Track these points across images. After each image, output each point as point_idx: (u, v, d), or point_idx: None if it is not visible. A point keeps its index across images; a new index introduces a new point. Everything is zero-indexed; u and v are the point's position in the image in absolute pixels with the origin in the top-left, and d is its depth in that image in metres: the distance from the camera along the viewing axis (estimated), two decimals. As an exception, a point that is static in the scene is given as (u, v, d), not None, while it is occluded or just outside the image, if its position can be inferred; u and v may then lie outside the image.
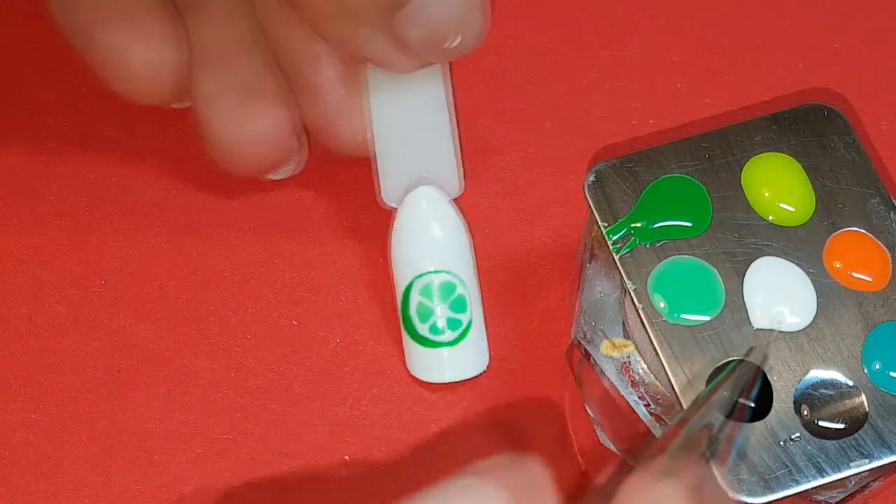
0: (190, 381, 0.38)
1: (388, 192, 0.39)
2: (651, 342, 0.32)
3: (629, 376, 0.34)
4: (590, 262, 0.35)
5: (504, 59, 0.44)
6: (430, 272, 0.37)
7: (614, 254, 0.33)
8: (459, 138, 0.40)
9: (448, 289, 0.37)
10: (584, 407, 0.37)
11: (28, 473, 0.37)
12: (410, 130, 0.38)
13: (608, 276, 0.35)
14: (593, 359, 0.34)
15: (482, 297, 0.39)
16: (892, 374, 0.31)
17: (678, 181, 0.34)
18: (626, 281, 0.32)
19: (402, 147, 0.38)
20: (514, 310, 0.39)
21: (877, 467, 0.30)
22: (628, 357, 0.34)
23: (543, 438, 0.37)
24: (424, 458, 0.37)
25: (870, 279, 0.33)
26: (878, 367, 0.31)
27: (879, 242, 0.33)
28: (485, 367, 0.38)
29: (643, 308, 0.32)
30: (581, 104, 0.43)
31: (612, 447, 0.37)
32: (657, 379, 0.33)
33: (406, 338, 0.37)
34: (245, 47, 0.37)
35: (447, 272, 0.37)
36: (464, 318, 0.37)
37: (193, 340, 0.39)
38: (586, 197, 0.34)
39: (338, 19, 0.34)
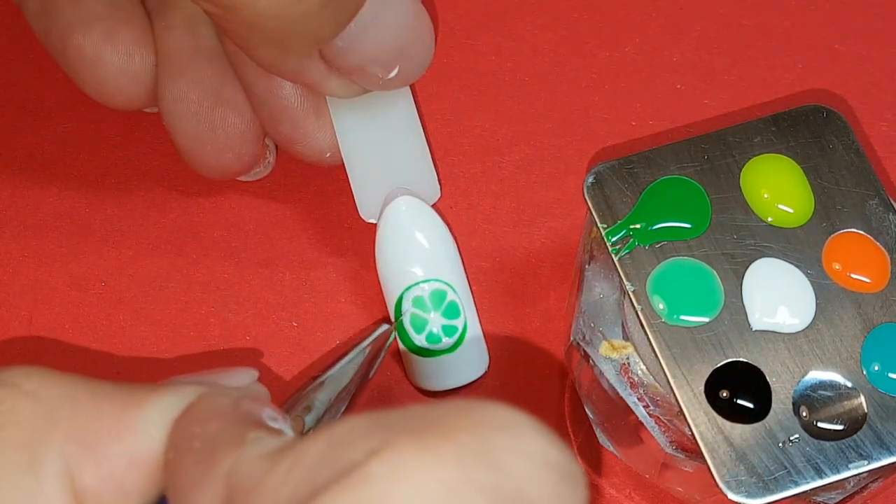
0: (190, 382, 0.38)
1: (366, 207, 0.38)
2: (650, 343, 0.32)
3: (628, 377, 0.34)
4: (589, 264, 0.35)
5: (504, 59, 0.44)
6: (418, 282, 0.37)
7: (613, 255, 0.33)
8: (428, 141, 0.40)
9: (439, 296, 0.37)
10: (584, 408, 0.37)
11: (28, 474, 0.37)
12: (379, 141, 0.38)
13: (607, 277, 0.35)
14: (592, 360, 0.34)
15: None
16: (890, 375, 0.31)
17: (677, 182, 0.34)
18: (626, 282, 0.32)
19: (372, 160, 0.38)
20: (513, 311, 0.39)
21: (875, 468, 0.30)
22: (627, 358, 0.34)
23: (543, 439, 0.37)
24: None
25: (869, 280, 0.33)
26: (876, 368, 0.31)
27: (878, 244, 0.33)
28: (485, 369, 0.38)
29: (642, 309, 0.32)
30: (580, 105, 0.43)
31: (611, 448, 0.37)
32: (656, 380, 0.33)
33: (404, 350, 0.37)
34: (207, 54, 0.37)
35: (436, 280, 0.37)
36: (458, 323, 0.37)
37: (193, 342, 0.39)
38: (585, 198, 0.34)
39: (266, 46, 0.33)
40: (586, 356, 0.35)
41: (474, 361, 0.38)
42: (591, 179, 0.34)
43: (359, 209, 0.39)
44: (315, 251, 0.40)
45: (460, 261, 0.39)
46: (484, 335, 0.38)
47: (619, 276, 0.33)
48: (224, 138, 0.37)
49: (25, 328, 0.39)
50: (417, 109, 0.39)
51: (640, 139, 0.42)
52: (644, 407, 0.34)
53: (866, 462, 0.30)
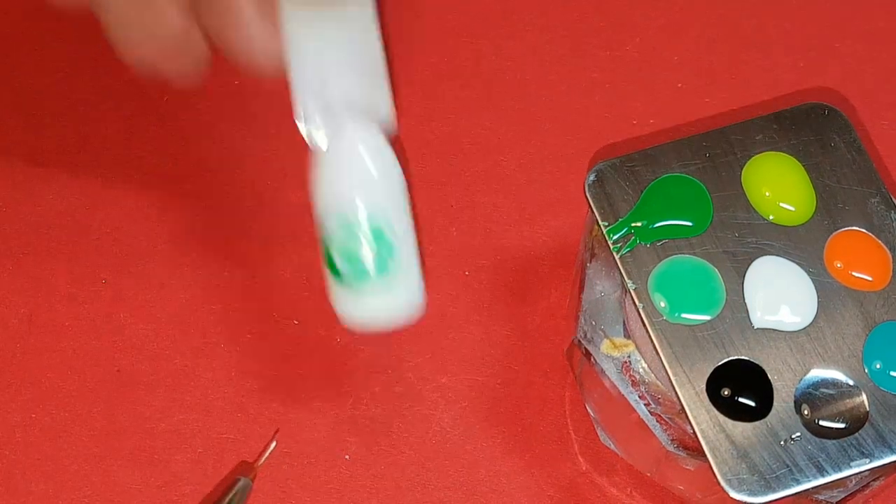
0: (190, 380, 0.38)
1: (308, 120, 0.34)
2: (651, 341, 0.32)
3: (629, 375, 0.34)
4: (590, 262, 0.35)
5: (504, 59, 0.44)
6: (356, 211, 0.33)
7: (615, 253, 0.33)
8: (391, 79, 0.36)
9: (374, 228, 0.34)
10: (584, 406, 0.37)
11: (28, 473, 0.37)
12: (330, 50, 0.34)
13: (609, 275, 0.35)
14: (594, 358, 0.34)
15: (477, 297, 0.38)
16: (892, 373, 0.31)
17: (679, 180, 0.34)
18: (627, 280, 0.32)
19: (320, 70, 0.34)
20: (514, 309, 0.39)
21: (877, 467, 0.30)
22: (629, 356, 0.34)
23: (543, 438, 0.37)
24: (424, 457, 0.37)
25: (870, 278, 0.33)
26: (878, 366, 0.31)
27: (880, 242, 0.33)
28: (417, 306, 0.34)
29: (643, 307, 0.32)
30: (581, 104, 0.43)
31: (612, 447, 0.37)
32: (657, 378, 0.33)
33: (330, 279, 0.34)
34: None
35: (375, 211, 0.33)
36: (390, 256, 0.33)
37: (193, 340, 0.39)
38: (587, 196, 0.34)
39: None
40: (588, 354, 0.35)
41: (403, 296, 0.34)
42: (592, 177, 0.34)
43: (297, 120, 0.34)
44: (315, 250, 0.40)
45: (404, 192, 0.34)
46: (422, 275, 0.34)
47: (621, 274, 0.33)
48: (149, 33, 0.34)
49: (25, 326, 0.39)
50: (384, 39, 0.36)
51: (641, 137, 0.42)
52: (645, 405, 0.34)
53: (868, 460, 0.30)
